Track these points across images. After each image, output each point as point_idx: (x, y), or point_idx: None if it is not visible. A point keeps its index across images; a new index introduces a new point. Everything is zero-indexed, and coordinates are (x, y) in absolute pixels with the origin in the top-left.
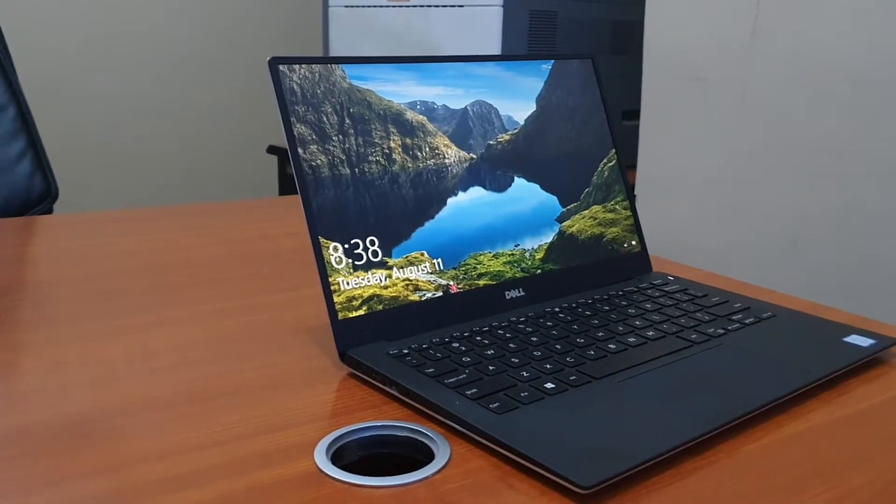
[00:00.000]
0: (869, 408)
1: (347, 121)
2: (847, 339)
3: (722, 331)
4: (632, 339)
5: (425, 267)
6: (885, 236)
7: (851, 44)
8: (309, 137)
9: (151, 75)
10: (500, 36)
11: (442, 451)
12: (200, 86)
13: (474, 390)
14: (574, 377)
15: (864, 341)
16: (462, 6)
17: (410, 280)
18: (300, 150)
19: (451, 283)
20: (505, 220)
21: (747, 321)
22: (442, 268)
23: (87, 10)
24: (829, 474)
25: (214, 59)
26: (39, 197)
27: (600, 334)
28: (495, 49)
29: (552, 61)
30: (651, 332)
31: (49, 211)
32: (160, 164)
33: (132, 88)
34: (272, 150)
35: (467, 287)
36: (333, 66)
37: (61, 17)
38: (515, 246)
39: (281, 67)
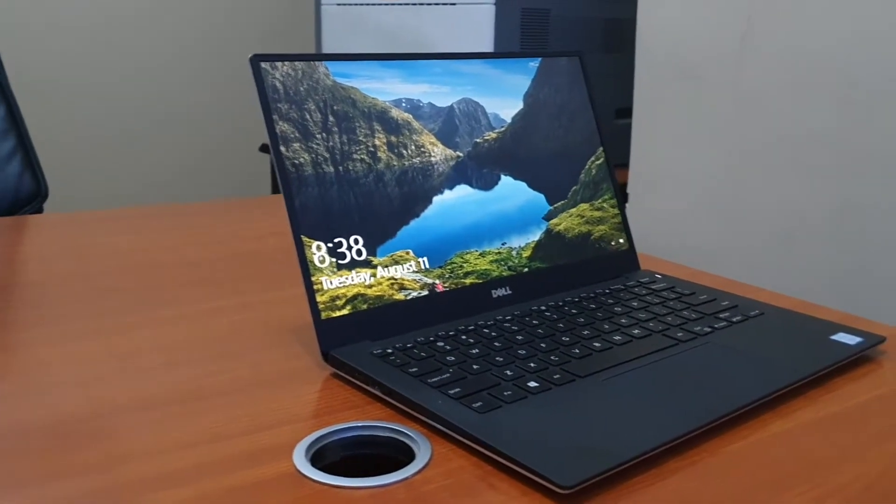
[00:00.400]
0: (855, 406)
1: (331, 118)
2: (834, 338)
3: (708, 329)
4: (617, 338)
5: (410, 266)
6: (879, 234)
7: (844, 41)
8: (292, 135)
9: (143, 74)
10: (493, 34)
11: (423, 452)
12: (193, 84)
13: (457, 390)
14: (558, 376)
15: (851, 339)
16: (454, 4)
17: (395, 279)
18: (283, 148)
19: (437, 281)
20: (492, 219)
21: (734, 319)
22: (427, 266)
23: (79, 8)
24: (814, 472)
25: (207, 57)
26: (29, 197)
27: (586, 333)
28: (488, 47)
29: (539, 59)
30: (637, 331)
31: (39, 210)
32: (152, 162)
33: (123, 87)
34: (265, 148)
35: (453, 286)
36: (316, 63)
37: (52, 15)
38: (502, 244)
39: (263, 65)
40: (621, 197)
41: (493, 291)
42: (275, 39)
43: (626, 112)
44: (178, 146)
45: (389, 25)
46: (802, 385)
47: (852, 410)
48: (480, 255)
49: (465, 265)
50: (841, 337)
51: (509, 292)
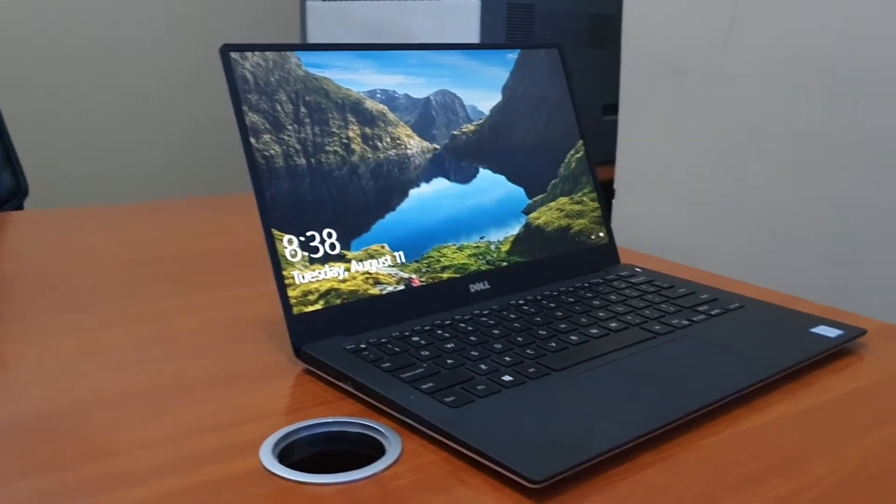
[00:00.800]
0: (834, 399)
1: (303, 109)
2: (814, 330)
3: (687, 322)
4: (594, 331)
5: (386, 260)
6: (867, 229)
7: (830, 34)
8: (262, 127)
9: (126, 70)
10: (478, 29)
11: (393, 447)
12: (177, 80)
13: (430, 384)
14: (533, 369)
15: (831, 332)
16: None
17: (370, 273)
18: (252, 140)
19: (414, 276)
20: (470, 212)
21: (713, 312)
22: (404, 261)
23: (58, 2)
24: (789, 467)
25: (190, 53)
26: (9, 194)
27: (563, 326)
28: (473, 42)
29: (518, 50)
30: (614, 324)
31: (20, 208)
32: (136, 159)
33: (105, 83)
34: None
35: (430, 280)
36: (288, 53)
37: (30, 11)
38: (480, 238)
39: (232, 55)
40: (601, 190)
41: (470, 286)
42: (260, 35)
43: (613, 108)
44: (162, 143)
45: (375, 20)
46: (780, 378)
47: (830, 403)
48: (458, 249)
49: (442, 259)
50: (821, 330)
51: (487, 287)
